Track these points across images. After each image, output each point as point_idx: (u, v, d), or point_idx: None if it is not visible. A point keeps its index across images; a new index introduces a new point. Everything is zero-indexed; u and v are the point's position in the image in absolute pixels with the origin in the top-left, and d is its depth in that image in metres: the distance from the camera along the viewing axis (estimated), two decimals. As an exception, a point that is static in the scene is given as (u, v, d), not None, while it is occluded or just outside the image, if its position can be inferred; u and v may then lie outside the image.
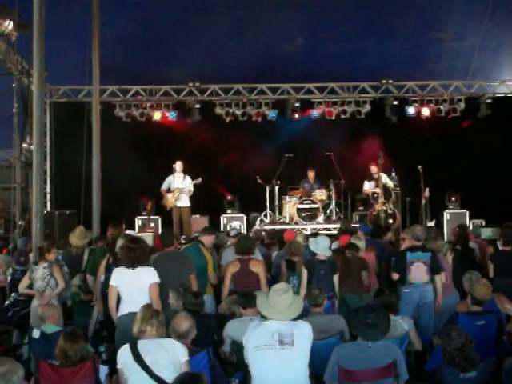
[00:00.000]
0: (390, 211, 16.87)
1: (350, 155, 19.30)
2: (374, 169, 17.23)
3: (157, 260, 9.05)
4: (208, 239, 10.35)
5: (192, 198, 16.70)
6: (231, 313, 8.13)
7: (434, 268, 9.31)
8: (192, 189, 16.41)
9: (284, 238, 12.67)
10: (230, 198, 19.43)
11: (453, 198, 18.83)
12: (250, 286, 8.98)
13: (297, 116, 20.27)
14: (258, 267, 9.38)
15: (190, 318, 6.73)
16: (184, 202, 16.46)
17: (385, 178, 17.17)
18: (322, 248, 9.58)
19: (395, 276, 9.52)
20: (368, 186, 17.43)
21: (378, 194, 17.03)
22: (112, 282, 7.99)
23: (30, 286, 9.91)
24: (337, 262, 9.97)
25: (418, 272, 9.26)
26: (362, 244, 10.73)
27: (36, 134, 11.90)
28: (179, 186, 16.37)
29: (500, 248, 10.80)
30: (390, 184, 17.22)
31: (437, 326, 8.85)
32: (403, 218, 17.48)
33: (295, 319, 6.21)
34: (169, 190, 16.50)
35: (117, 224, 11.25)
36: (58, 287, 9.77)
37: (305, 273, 9.49)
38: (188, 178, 16.48)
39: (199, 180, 16.42)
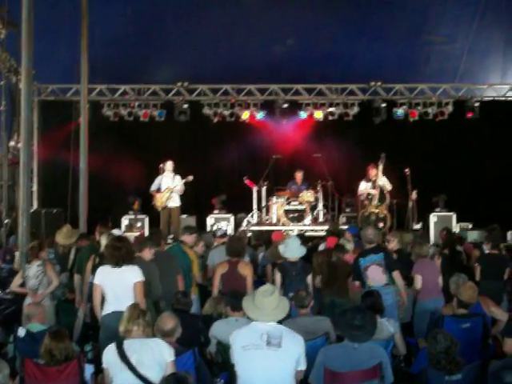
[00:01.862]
0: (381, 215, 16.70)
1: (337, 157, 19.31)
2: (372, 170, 16.87)
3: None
4: (189, 238, 10.29)
5: (180, 198, 16.57)
6: (218, 313, 8.13)
7: (390, 266, 9.25)
8: (183, 187, 16.31)
9: (272, 239, 12.47)
10: (224, 197, 19.06)
11: (440, 201, 18.70)
12: (238, 287, 8.91)
13: (285, 117, 20.22)
14: (246, 270, 9.35)
15: (175, 317, 6.74)
16: (175, 201, 16.34)
17: (383, 181, 16.84)
18: (289, 250, 9.56)
19: (357, 283, 9.49)
20: (364, 187, 17.00)
21: (372, 195, 16.79)
22: (96, 281, 7.86)
23: (22, 285, 9.89)
24: (323, 264, 9.97)
25: (375, 274, 9.18)
26: (350, 246, 10.70)
27: (23, 132, 11.86)
28: (170, 186, 16.26)
29: (487, 251, 10.83)
30: (388, 187, 16.91)
31: (422, 329, 8.87)
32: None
33: (281, 321, 6.21)
34: (158, 190, 16.40)
35: (105, 222, 11.22)
36: (52, 285, 9.75)
37: (278, 276, 9.48)
38: (178, 177, 16.37)
39: (190, 178, 16.31)
